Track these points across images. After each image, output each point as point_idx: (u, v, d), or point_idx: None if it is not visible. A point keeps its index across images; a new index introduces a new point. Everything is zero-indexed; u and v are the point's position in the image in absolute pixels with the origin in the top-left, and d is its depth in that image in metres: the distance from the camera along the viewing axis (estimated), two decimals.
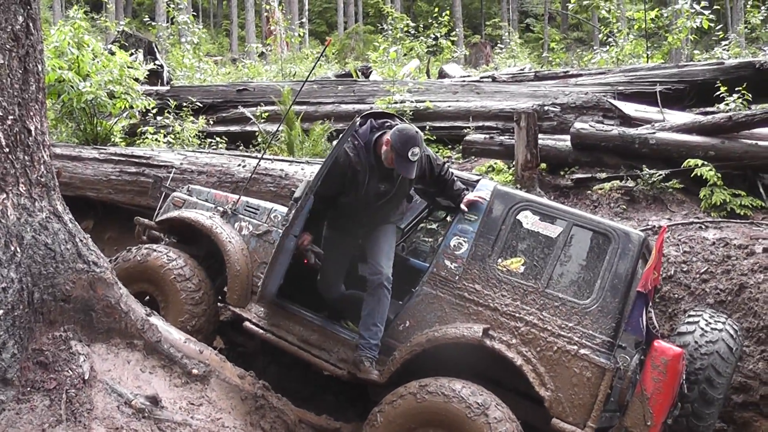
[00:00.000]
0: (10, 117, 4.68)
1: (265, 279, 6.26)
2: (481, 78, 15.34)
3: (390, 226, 6.43)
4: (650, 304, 5.66)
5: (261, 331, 6.46)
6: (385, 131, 6.01)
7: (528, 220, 5.96)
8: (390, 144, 5.86)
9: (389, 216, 6.38)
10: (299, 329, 6.41)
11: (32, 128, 4.83)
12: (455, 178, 6.37)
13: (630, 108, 10.51)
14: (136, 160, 10.41)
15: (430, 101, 11.99)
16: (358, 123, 6.18)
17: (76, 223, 5.17)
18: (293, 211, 6.21)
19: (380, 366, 6.00)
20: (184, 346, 5.50)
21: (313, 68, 7.72)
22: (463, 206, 6.14)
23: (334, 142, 6.25)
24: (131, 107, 11.95)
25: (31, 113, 4.84)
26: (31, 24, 4.84)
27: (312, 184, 6.13)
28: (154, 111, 12.49)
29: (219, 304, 7.02)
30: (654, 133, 9.30)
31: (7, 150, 4.65)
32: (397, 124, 6.08)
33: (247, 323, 6.51)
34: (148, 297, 6.59)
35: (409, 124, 6.16)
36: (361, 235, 6.41)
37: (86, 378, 4.67)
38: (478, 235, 6.01)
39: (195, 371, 5.37)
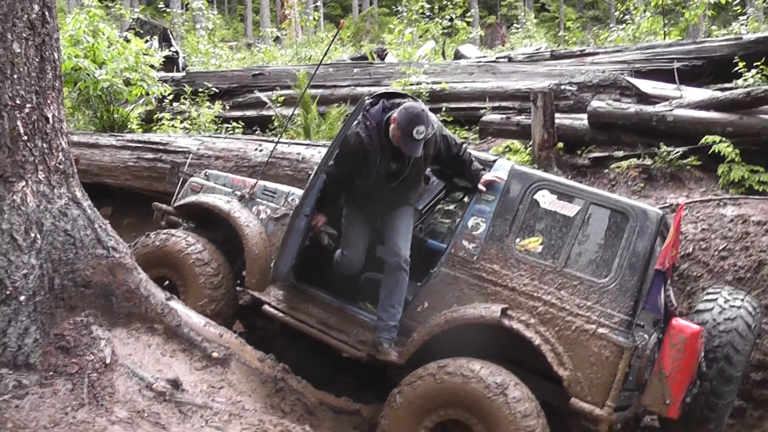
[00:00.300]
0: (28, 105, 4.72)
1: (277, 260, 6.31)
2: (497, 58, 15.27)
3: (407, 208, 6.37)
4: (668, 282, 5.64)
5: (280, 314, 6.49)
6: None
7: (545, 199, 5.94)
8: (396, 122, 5.84)
9: (406, 197, 6.32)
10: (318, 312, 6.44)
11: (50, 116, 4.87)
12: (473, 159, 6.34)
13: (647, 85, 10.44)
14: (153, 147, 10.45)
15: (446, 82, 11.96)
16: (368, 103, 6.15)
17: (95, 209, 5.21)
18: (304, 190, 6.24)
19: (399, 347, 6.02)
20: (204, 330, 5.55)
21: (326, 51, 7.73)
22: (480, 186, 6.12)
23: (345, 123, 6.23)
24: (147, 94, 12.00)
25: (49, 101, 4.88)
26: (46, 12, 4.87)
27: (321, 163, 6.14)
28: (170, 97, 12.52)
29: (238, 288, 7.06)
30: (671, 110, 9.23)
31: (26, 138, 4.70)
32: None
33: (265, 306, 6.54)
34: (167, 282, 6.63)
35: (418, 103, 6.10)
36: (378, 216, 6.37)
37: (107, 362, 4.72)
38: (496, 215, 6.00)
39: (215, 354, 5.42)
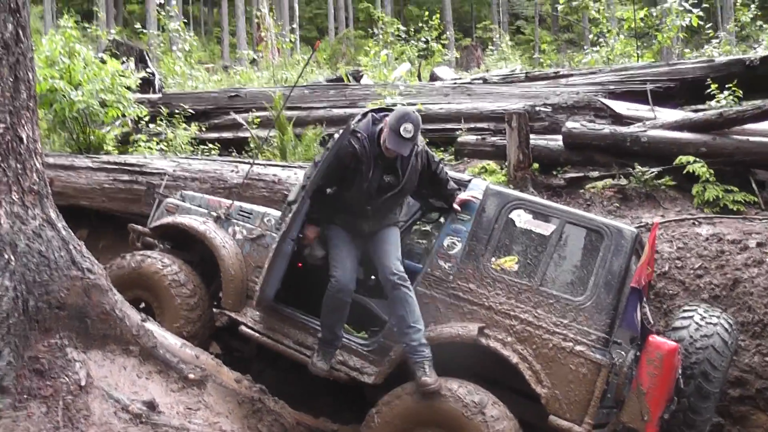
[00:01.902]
0: (2, 125, 4.68)
1: (263, 283, 6.26)
2: (473, 80, 15.35)
3: (393, 228, 6.31)
4: (644, 299, 5.67)
5: (257, 334, 6.47)
6: None
7: (521, 218, 5.98)
8: (386, 123, 5.85)
9: (393, 213, 6.27)
10: (295, 332, 6.42)
11: (24, 136, 4.83)
12: (449, 178, 6.36)
13: (621, 107, 10.53)
14: (129, 168, 10.40)
15: (422, 104, 11.99)
16: (357, 119, 6.15)
17: (70, 230, 5.17)
18: (290, 215, 6.20)
19: (375, 367, 6.00)
20: (181, 351, 5.51)
21: (302, 72, 7.75)
22: (455, 206, 6.14)
23: (330, 143, 6.19)
24: (124, 115, 11.93)
25: (23, 121, 4.84)
26: (20, 31, 4.84)
27: (310, 184, 6.10)
28: (147, 119, 12.46)
29: (214, 309, 7.03)
30: (645, 131, 9.32)
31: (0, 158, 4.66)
32: None
33: (242, 327, 6.52)
34: (143, 304, 6.60)
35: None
36: (366, 237, 6.22)
37: (83, 384, 4.67)
38: (472, 234, 6.02)
39: (191, 376, 5.38)
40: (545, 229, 5.90)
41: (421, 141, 6.13)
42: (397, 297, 5.85)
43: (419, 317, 5.83)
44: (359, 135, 5.97)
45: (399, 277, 5.89)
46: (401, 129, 5.69)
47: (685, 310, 6.33)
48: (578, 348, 5.53)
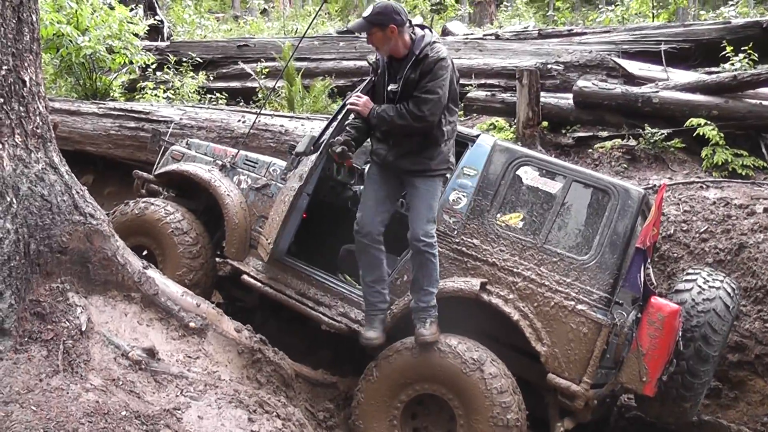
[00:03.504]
0: (5, 67, 4.64)
1: (278, 237, 6.25)
2: (485, 36, 15.20)
3: (430, 180, 5.72)
4: (648, 261, 5.65)
5: (259, 284, 6.48)
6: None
7: (527, 175, 5.95)
8: None
9: (411, 143, 5.66)
10: (297, 283, 6.43)
11: (27, 79, 4.79)
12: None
13: (634, 67, 10.43)
14: (136, 115, 10.39)
15: None
16: None
17: (73, 175, 5.15)
18: (308, 168, 6.15)
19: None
20: (182, 300, 5.51)
21: (311, 23, 7.67)
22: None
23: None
24: (131, 62, 11.89)
25: (26, 64, 4.80)
26: None
27: (326, 142, 6.01)
28: (154, 66, 12.42)
29: (217, 258, 7.04)
30: (657, 92, 9.24)
31: (2, 100, 4.62)
32: (426, 32, 5.67)
33: (245, 276, 6.53)
34: (146, 251, 6.60)
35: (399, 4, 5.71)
36: (394, 168, 5.79)
37: (83, 329, 4.68)
38: (477, 190, 5.99)
39: (192, 324, 5.39)
40: (552, 186, 5.87)
41: (438, 51, 5.53)
42: (419, 261, 5.69)
43: (435, 281, 5.71)
44: None
45: (425, 244, 5.62)
46: (365, 12, 5.58)
47: (688, 273, 6.31)
48: (580, 307, 5.53)
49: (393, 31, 5.50)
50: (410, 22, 5.64)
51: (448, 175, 6.01)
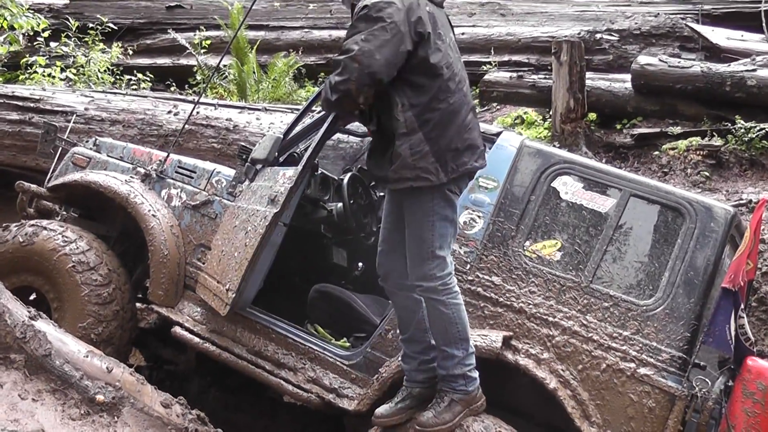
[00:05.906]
0: None
1: (242, 282, 6.19)
2: None
3: (406, 196, 5.44)
4: (742, 306, 5.62)
5: (196, 339, 6.44)
6: None
7: (568, 188, 5.93)
8: None
9: (371, 145, 5.62)
10: (251, 337, 6.40)
11: None
12: None
13: (720, 35, 10.48)
14: (20, 103, 10.37)
15: None
16: None
17: None
18: (284, 189, 6.09)
19: (359, 388, 5.97)
20: (86, 363, 5.46)
21: None
22: None
23: None
24: (12, 28, 11.82)
25: None
26: None
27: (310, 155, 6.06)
28: (47, 35, 12.40)
29: (138, 304, 7.01)
30: (754, 70, 9.26)
31: None
32: None
33: (176, 329, 6.50)
34: (34, 294, 6.61)
35: None
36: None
37: None
38: (498, 208, 5.97)
39: (100, 398, 5.34)
40: (602, 204, 5.85)
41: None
42: (428, 308, 5.48)
43: (457, 339, 5.42)
44: None
45: (423, 289, 5.41)
46: None
47: None
48: (643, 371, 5.49)
49: None
50: None
51: (453, 189, 5.53)
